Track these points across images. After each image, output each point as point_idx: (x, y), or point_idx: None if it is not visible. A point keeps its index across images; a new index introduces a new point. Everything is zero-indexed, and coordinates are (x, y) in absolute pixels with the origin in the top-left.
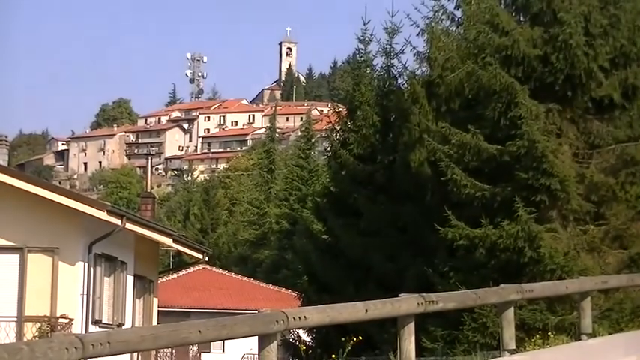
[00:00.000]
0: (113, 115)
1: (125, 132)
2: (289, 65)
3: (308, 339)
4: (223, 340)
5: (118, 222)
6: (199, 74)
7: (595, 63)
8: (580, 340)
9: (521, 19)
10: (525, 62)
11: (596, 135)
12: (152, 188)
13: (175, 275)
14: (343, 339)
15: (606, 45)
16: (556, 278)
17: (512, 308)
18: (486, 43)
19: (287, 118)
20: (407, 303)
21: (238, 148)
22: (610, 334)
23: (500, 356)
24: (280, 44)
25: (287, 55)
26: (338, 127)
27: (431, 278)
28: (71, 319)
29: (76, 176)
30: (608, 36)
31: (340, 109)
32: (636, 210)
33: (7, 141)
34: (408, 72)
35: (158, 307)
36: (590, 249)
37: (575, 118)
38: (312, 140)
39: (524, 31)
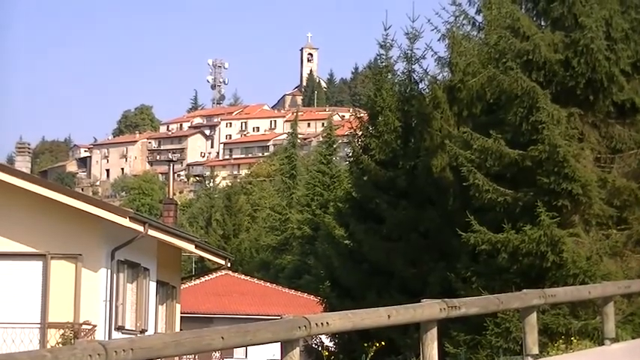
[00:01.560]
0: (135, 122)
1: (147, 138)
2: (310, 71)
3: (330, 344)
4: (246, 346)
5: (140, 228)
6: (221, 80)
7: (616, 67)
8: (603, 345)
9: (542, 23)
10: (547, 67)
11: (618, 139)
12: (174, 194)
13: (198, 281)
14: (366, 344)
15: (628, 49)
16: (579, 283)
17: (534, 313)
18: (507, 48)
19: (308, 124)
20: (429, 309)
21: (260, 154)
22: (633, 338)
23: None
24: (301, 50)
25: (308, 60)
26: (359, 133)
27: (453, 283)
28: (94, 326)
29: (98, 183)
30: (630, 40)
31: (362, 115)
32: None
33: (29, 148)
34: (429, 77)
35: (181, 313)
36: (613, 253)
37: (597, 122)
38: (334, 146)
39: (545, 36)
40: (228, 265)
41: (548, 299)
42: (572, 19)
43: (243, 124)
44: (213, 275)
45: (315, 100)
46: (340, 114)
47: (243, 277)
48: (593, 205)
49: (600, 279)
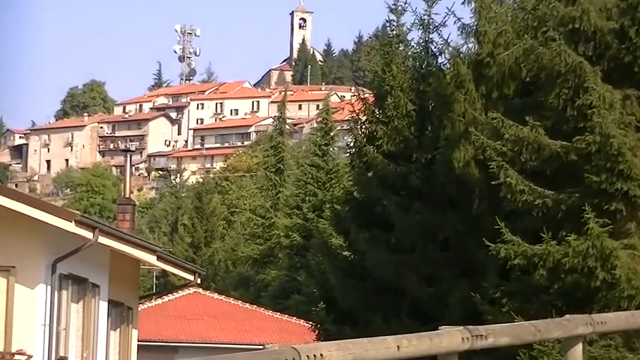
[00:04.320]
0: (84, 102)
1: (98, 122)
2: (303, 40)
3: None
4: None
5: (88, 235)
6: (191, 51)
7: None
8: None
9: None
10: (597, 38)
11: None
12: (131, 192)
13: (160, 301)
14: None
15: None
16: (635, 307)
17: (580, 344)
18: (549, 14)
19: (300, 106)
20: (449, 338)
21: (239, 143)
22: None
23: None
24: (292, 14)
25: (300, 27)
26: (363, 118)
27: (479, 306)
28: (30, 356)
29: (36, 177)
30: None
31: (366, 95)
32: None
33: None
34: (450, 49)
35: (138, 340)
36: None
37: None
38: (331, 134)
39: (596, 0)
40: (198, 281)
41: (597, 327)
42: None
43: (219, 105)
44: (180, 294)
45: (309, 77)
46: (340, 94)
47: (216, 296)
48: None
49: None
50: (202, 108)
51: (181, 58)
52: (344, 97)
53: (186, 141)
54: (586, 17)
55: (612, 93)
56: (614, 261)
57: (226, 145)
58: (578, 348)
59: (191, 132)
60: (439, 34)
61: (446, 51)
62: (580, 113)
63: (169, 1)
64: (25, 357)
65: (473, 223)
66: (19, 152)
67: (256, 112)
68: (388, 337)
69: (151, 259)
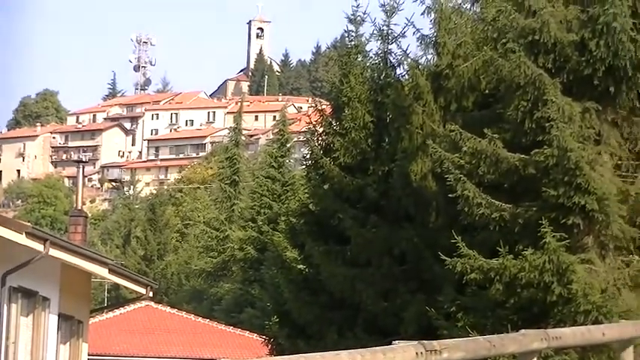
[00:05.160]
0: (36, 112)
1: (51, 132)
2: (260, 50)
3: None
4: None
5: (39, 247)
6: (146, 60)
7: None
8: None
9: None
10: (557, 50)
11: None
12: (84, 204)
13: (112, 315)
14: None
15: None
16: (591, 322)
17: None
18: (509, 26)
19: (256, 117)
20: (403, 353)
21: (194, 154)
22: None
23: None
24: (249, 23)
25: (258, 37)
26: (320, 129)
27: (434, 321)
28: None
29: None
30: None
31: (324, 107)
32: None
33: None
34: (409, 60)
35: (89, 354)
36: (635, 285)
37: (619, 120)
38: (288, 145)
39: (556, 11)
40: (151, 294)
41: (552, 342)
42: None
43: (174, 115)
44: (131, 307)
45: (266, 88)
46: (297, 105)
47: (169, 309)
48: (611, 225)
49: (618, 317)
50: (157, 118)
51: (136, 68)
52: (301, 108)
53: (141, 152)
54: (546, 29)
55: (571, 106)
56: (571, 276)
57: (181, 156)
58: None
59: (145, 143)
60: (398, 45)
61: (405, 62)
62: (539, 126)
63: (125, 10)
64: None
65: (430, 236)
66: None
67: (212, 122)
68: (342, 352)
69: (102, 271)
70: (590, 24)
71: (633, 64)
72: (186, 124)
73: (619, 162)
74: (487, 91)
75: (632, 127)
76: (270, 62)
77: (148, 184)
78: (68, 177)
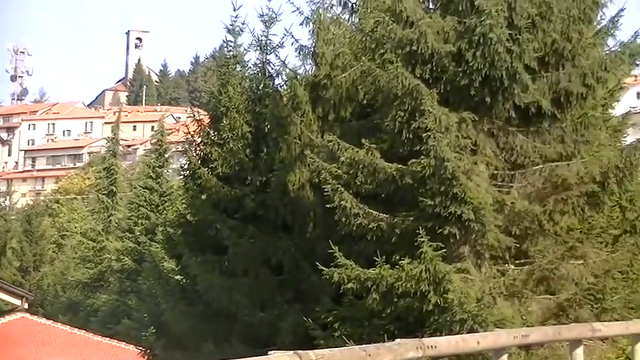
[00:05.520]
0: None
1: None
2: (139, 60)
3: None
4: None
5: None
6: (23, 70)
7: (520, 62)
8: None
9: (431, 6)
10: (434, 60)
11: (520, 152)
12: None
13: None
14: None
15: (534, 40)
16: (467, 331)
17: None
18: (386, 36)
19: (134, 127)
20: None
21: (71, 165)
22: None
23: None
24: (128, 33)
25: (136, 47)
26: (198, 140)
27: (310, 331)
28: None
29: None
30: (537, 29)
31: (202, 117)
32: (567, 246)
33: None
34: (288, 71)
35: None
36: (510, 294)
37: (495, 130)
38: (166, 155)
39: (433, 22)
40: (26, 306)
41: (428, 351)
42: (467, 1)
43: (51, 126)
44: (5, 319)
45: (144, 98)
46: (175, 115)
47: (44, 321)
48: (486, 234)
49: (493, 326)
50: (34, 128)
51: (13, 78)
52: (180, 118)
53: (17, 162)
54: (423, 40)
55: (448, 116)
56: (447, 285)
57: (58, 166)
58: None
59: (22, 153)
60: (277, 56)
61: (283, 72)
62: (416, 136)
63: (2, 18)
64: None
65: (307, 247)
66: None
67: (90, 133)
68: None
69: None
70: (466, 35)
71: (509, 74)
72: (64, 135)
73: (495, 172)
74: (365, 102)
75: (508, 137)
76: (149, 72)
77: (24, 194)
78: None
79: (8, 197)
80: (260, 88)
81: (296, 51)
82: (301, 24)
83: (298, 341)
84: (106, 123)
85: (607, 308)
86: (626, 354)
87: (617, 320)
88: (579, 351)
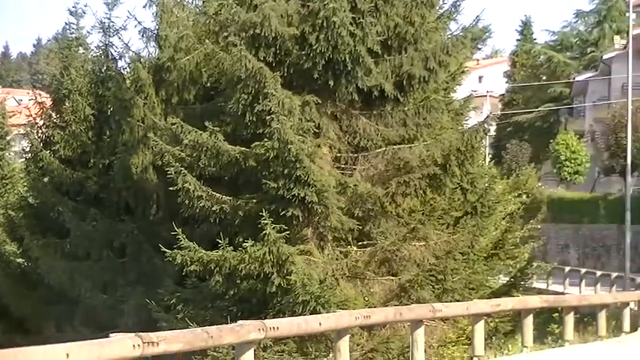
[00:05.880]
0: None
1: None
2: None
3: None
4: None
5: None
6: None
7: (363, 46)
8: None
9: None
10: (278, 43)
11: (363, 135)
12: None
13: None
14: None
15: (377, 24)
16: (310, 312)
17: (252, 350)
18: (230, 19)
19: None
20: (120, 345)
21: None
22: None
23: None
24: None
25: None
26: (40, 122)
27: (154, 313)
28: None
29: None
30: (380, 13)
31: (44, 99)
32: (409, 227)
33: None
34: (131, 53)
35: None
36: (353, 275)
37: (338, 113)
38: (7, 138)
39: (277, 5)
40: None
41: (270, 333)
42: None
43: None
44: None
45: None
46: (17, 98)
47: None
48: (329, 216)
49: (336, 307)
50: None
51: None
52: (22, 100)
53: None
54: (267, 23)
55: (291, 99)
56: (290, 267)
57: None
58: (250, 354)
59: None
60: (120, 38)
61: (126, 55)
62: (259, 119)
63: None
64: None
65: (150, 229)
66: None
67: None
68: (57, 346)
69: None
70: (310, 18)
71: (352, 58)
72: None
73: (338, 154)
74: (209, 85)
75: (351, 120)
76: None
77: None
78: None
79: None
80: (103, 70)
81: (139, 33)
82: (144, 6)
83: (142, 324)
84: None
85: (448, 289)
86: (466, 334)
87: (458, 301)
88: (420, 331)
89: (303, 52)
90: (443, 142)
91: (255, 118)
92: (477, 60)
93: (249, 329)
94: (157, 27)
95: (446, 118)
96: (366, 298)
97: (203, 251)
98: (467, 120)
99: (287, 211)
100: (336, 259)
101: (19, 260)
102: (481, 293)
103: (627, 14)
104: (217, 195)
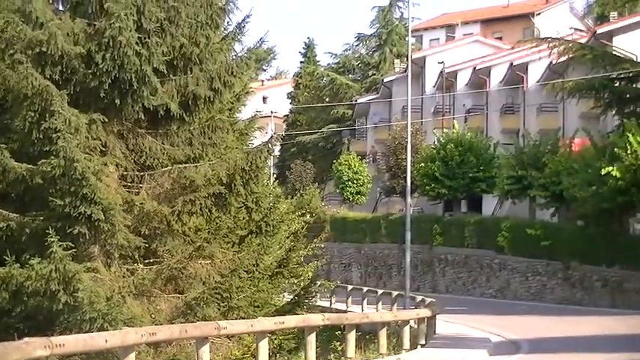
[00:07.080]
0: None
1: None
2: None
3: None
4: None
5: None
6: None
7: (149, 65)
8: None
9: (61, 8)
10: (64, 62)
11: (149, 153)
12: None
13: None
14: None
15: (163, 44)
16: (97, 329)
17: None
18: (16, 37)
19: None
20: None
21: None
22: None
23: None
24: None
25: None
26: None
27: None
28: None
29: None
30: (166, 33)
31: None
32: (195, 246)
33: None
34: None
35: None
36: (139, 293)
37: (124, 132)
38: None
39: (63, 24)
40: None
41: (56, 350)
42: (96, 4)
43: None
44: None
45: None
46: None
47: None
48: (116, 234)
49: (123, 324)
50: None
51: None
52: None
53: None
54: (53, 41)
55: (78, 117)
56: (77, 284)
57: None
58: None
59: None
60: None
61: None
62: (46, 137)
63: None
64: None
65: None
66: None
67: None
68: None
69: None
70: (96, 37)
71: (138, 77)
72: None
73: (124, 173)
74: None
75: (138, 139)
76: None
77: None
78: None
79: None
80: None
81: None
82: None
83: None
84: None
85: (233, 307)
86: (251, 351)
87: (243, 318)
88: (205, 348)
89: (90, 71)
90: (228, 162)
91: (41, 136)
92: (262, 81)
93: (34, 346)
94: None
95: (231, 137)
96: (153, 316)
97: None
98: (252, 140)
99: (74, 229)
100: (123, 277)
101: None
102: (266, 311)
103: (407, 38)
104: (4, 212)
